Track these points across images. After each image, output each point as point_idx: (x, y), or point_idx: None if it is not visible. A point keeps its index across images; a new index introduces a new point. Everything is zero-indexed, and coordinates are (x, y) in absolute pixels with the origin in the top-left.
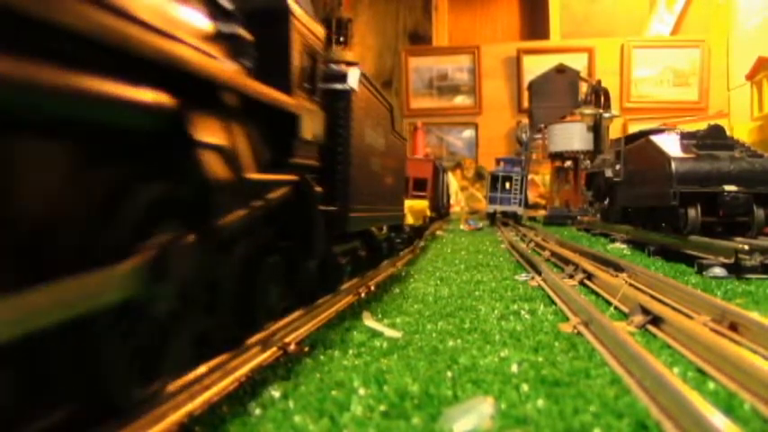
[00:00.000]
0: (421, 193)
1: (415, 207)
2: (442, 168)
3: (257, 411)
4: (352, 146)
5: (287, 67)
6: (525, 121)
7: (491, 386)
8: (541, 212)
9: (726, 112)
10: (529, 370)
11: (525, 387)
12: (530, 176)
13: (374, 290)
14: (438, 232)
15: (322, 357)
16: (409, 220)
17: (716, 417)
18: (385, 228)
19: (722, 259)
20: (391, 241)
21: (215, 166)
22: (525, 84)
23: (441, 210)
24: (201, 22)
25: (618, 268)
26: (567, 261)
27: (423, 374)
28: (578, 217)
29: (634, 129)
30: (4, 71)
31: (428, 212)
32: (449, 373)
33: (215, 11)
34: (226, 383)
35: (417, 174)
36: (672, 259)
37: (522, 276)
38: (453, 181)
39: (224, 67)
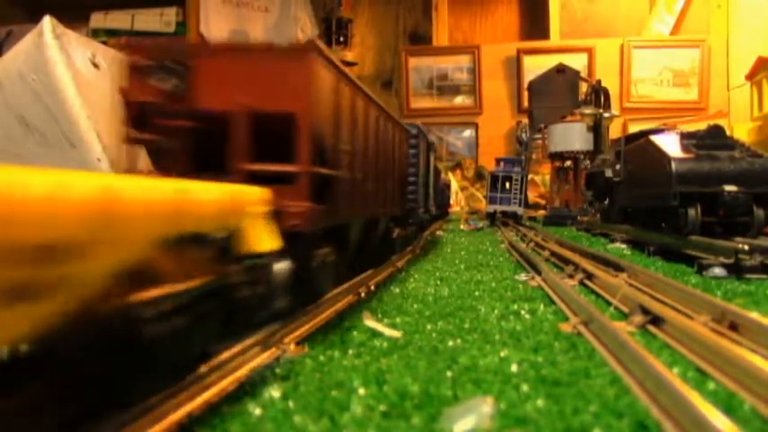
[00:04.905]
0: (277, 168)
1: None
2: (422, 134)
3: (257, 411)
4: None
5: None
6: (525, 121)
7: (491, 386)
8: (541, 212)
9: (726, 112)
10: (529, 370)
11: (525, 387)
12: (530, 176)
13: (374, 289)
14: (438, 232)
15: (322, 357)
16: None
17: (716, 417)
18: None
19: (722, 259)
20: None
21: None
22: (525, 84)
23: (422, 221)
24: None
25: (618, 268)
26: (566, 261)
27: (423, 374)
28: (578, 217)
29: (634, 129)
30: None
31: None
32: (449, 373)
33: None
34: (226, 383)
35: (259, 102)
36: (672, 259)
37: (522, 276)
38: (453, 181)
39: None
